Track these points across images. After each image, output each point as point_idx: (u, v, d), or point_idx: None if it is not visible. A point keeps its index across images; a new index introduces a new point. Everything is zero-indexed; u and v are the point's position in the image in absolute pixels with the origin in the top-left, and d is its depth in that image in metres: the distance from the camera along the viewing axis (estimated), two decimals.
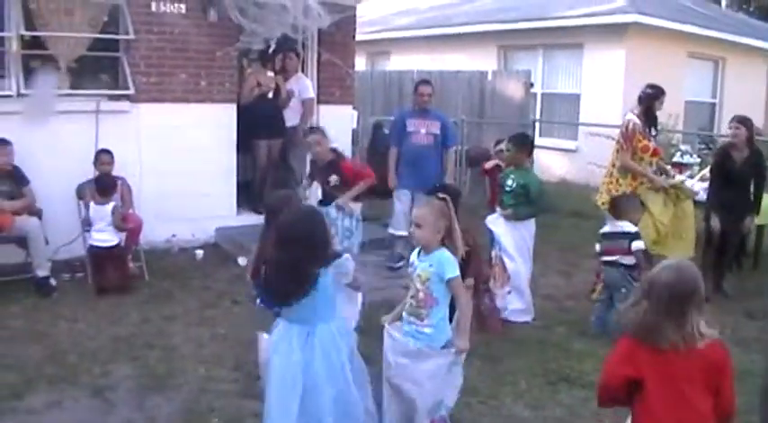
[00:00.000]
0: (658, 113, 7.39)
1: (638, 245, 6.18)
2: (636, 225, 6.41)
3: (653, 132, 7.31)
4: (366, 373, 3.99)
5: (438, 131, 8.27)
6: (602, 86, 14.46)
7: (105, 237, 7.04)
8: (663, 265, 3.10)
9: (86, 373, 5.23)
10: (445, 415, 4.20)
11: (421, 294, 4.06)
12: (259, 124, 9.03)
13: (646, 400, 3.00)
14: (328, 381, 3.70)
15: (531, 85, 13.26)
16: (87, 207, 7.30)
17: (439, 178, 7.93)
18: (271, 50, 9.20)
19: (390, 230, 8.36)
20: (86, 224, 7.24)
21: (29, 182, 7.23)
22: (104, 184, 7.18)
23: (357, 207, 6.91)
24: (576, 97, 15.19)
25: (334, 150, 6.92)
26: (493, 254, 6.69)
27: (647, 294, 3.01)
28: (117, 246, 7.14)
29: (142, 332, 6.04)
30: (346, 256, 3.89)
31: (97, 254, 7.08)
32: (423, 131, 8.26)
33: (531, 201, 6.57)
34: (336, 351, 3.76)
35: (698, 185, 8.36)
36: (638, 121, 7.11)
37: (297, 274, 3.64)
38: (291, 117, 9.35)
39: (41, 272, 6.97)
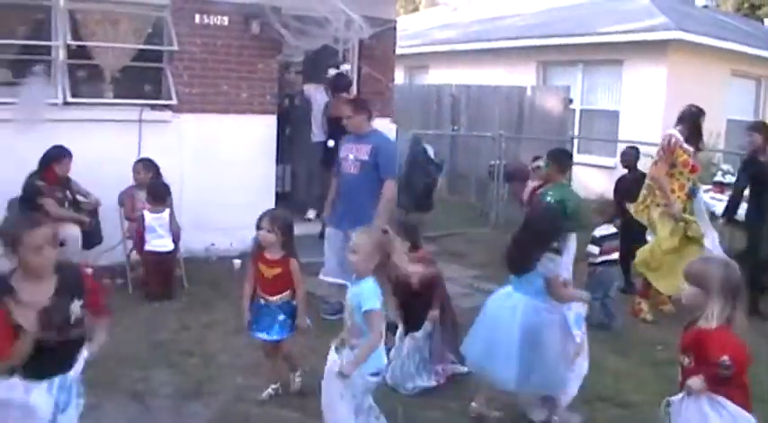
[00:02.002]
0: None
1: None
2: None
3: (689, 149, 7.09)
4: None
5: (367, 157, 6.60)
6: (643, 103, 14.36)
7: (163, 242, 7.20)
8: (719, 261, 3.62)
9: (126, 378, 5.29)
10: None
11: (349, 323, 4.05)
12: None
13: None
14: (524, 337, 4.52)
15: (570, 100, 13.20)
16: (128, 217, 7.48)
17: (369, 218, 6.10)
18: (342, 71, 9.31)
19: (321, 276, 6.80)
20: (135, 233, 7.38)
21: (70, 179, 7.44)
22: (158, 192, 7.29)
23: None
24: (616, 114, 15.10)
25: None
26: None
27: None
28: (171, 252, 7.30)
29: (181, 339, 6.11)
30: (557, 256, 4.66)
31: (153, 260, 7.20)
32: (351, 158, 6.73)
33: (567, 217, 6.55)
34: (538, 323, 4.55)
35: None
36: (680, 136, 7.00)
37: (523, 253, 4.62)
38: (320, 134, 9.44)
39: None
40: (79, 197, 7.51)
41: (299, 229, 7.66)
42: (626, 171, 8.39)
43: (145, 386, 5.17)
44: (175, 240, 7.39)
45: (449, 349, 5.53)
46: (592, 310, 6.38)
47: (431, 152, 10.84)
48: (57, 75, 7.89)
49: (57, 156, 7.16)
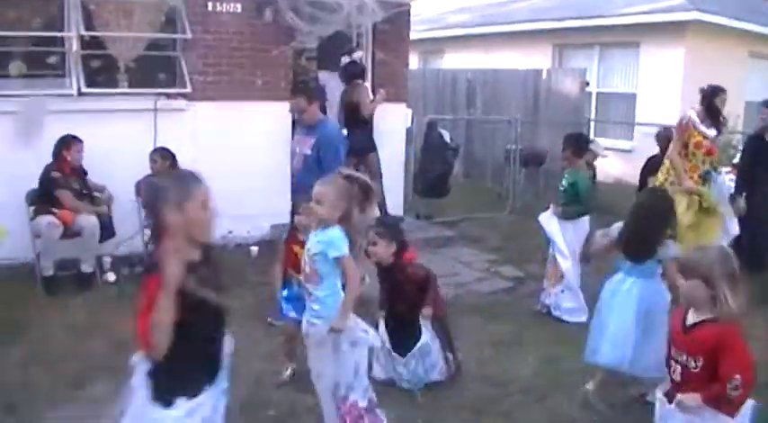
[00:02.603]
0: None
1: None
2: None
3: (713, 132, 6.97)
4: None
5: (309, 152, 6.31)
6: (660, 86, 14.25)
7: None
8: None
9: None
10: (357, 400, 4.07)
11: (307, 269, 4.01)
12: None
13: None
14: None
15: (587, 83, 13.13)
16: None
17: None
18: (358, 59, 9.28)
19: None
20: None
21: (86, 173, 7.53)
22: None
23: None
24: (632, 97, 14.99)
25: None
26: (549, 252, 6.68)
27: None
28: None
29: None
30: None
31: None
32: (297, 152, 6.52)
33: (579, 200, 6.54)
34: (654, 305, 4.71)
35: None
36: (695, 117, 6.91)
37: (646, 239, 4.77)
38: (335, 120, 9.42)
39: (86, 267, 7.23)
40: (95, 193, 7.56)
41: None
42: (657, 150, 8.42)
43: None
44: None
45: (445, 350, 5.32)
46: None
47: (447, 137, 10.80)
48: (70, 65, 7.91)
49: (66, 144, 7.21)
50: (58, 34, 7.91)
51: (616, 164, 14.19)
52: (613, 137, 15.07)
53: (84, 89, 7.85)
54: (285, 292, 5.23)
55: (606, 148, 14.22)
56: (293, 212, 5.48)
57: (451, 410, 4.81)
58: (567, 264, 6.53)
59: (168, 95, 8.32)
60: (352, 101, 8.99)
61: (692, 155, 6.92)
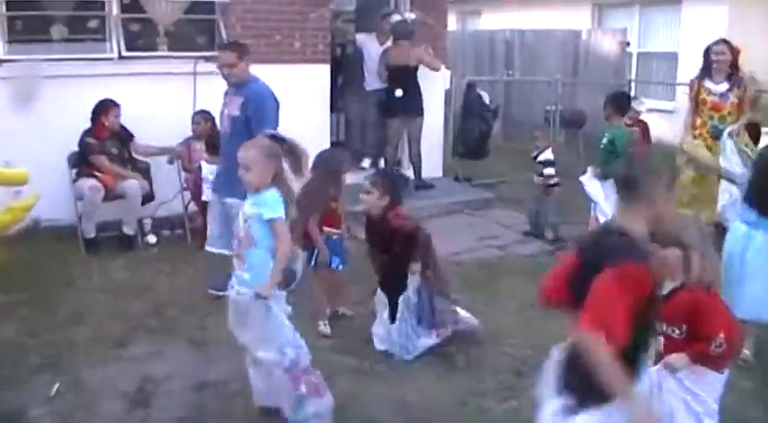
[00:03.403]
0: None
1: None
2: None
3: (723, 87, 7.08)
4: None
5: (238, 113, 5.80)
6: (703, 45, 13.74)
7: None
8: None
9: (186, 326, 5.41)
10: (295, 366, 4.00)
11: (242, 233, 3.90)
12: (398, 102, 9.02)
13: None
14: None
15: (627, 43, 12.92)
16: (185, 168, 7.60)
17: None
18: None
19: (208, 247, 6.07)
20: (192, 184, 7.49)
21: (133, 136, 7.57)
22: (216, 143, 7.32)
23: None
24: (674, 56, 14.69)
25: None
26: (591, 214, 6.62)
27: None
28: None
29: None
30: None
31: None
32: (226, 113, 6.01)
33: (618, 157, 6.44)
34: None
35: None
36: (699, 75, 7.25)
37: None
38: (372, 82, 9.36)
39: (128, 229, 7.34)
40: (136, 155, 7.64)
41: (354, 178, 7.72)
42: None
43: (204, 334, 5.28)
44: None
45: (440, 308, 5.12)
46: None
47: (486, 98, 10.69)
48: (111, 29, 7.94)
49: (103, 108, 7.28)
50: None
51: (658, 124, 13.95)
52: (655, 97, 14.80)
53: (124, 52, 7.91)
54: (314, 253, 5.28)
55: (648, 109, 14.07)
56: None
57: (491, 372, 4.82)
58: None
59: (207, 58, 8.31)
60: (408, 64, 8.93)
61: (701, 111, 7.14)
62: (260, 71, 8.35)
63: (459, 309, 5.31)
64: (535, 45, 13.71)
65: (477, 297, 6.05)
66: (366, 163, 9.48)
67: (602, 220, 6.44)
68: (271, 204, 3.81)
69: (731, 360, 3.46)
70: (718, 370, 3.44)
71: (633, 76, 14.51)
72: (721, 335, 3.30)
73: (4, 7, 7.46)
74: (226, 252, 5.36)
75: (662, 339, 3.48)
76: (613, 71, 12.50)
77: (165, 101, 7.81)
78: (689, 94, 7.36)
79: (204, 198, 7.29)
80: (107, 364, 4.80)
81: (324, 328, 5.41)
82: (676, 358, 3.40)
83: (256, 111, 5.71)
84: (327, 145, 9.01)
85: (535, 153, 8.08)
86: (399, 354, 4.97)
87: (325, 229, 5.32)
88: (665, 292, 3.33)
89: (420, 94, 9.10)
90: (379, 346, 5.10)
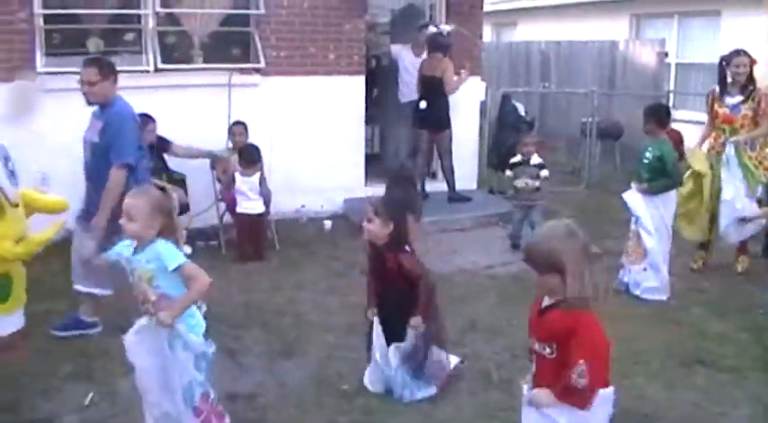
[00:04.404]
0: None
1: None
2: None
3: (738, 98, 6.95)
4: None
5: (98, 139, 5.19)
6: None
7: (254, 205, 7.33)
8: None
9: (219, 336, 5.36)
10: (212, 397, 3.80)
11: (152, 297, 3.56)
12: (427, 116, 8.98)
13: None
14: None
15: (666, 54, 12.76)
16: (220, 179, 7.63)
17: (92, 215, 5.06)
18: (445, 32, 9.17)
19: (78, 287, 5.39)
20: (227, 195, 7.54)
21: (171, 143, 7.60)
22: (250, 155, 7.38)
23: None
24: (713, 67, 14.47)
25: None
26: (631, 228, 6.51)
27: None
28: (262, 214, 7.44)
29: (272, 299, 6.21)
30: None
31: (244, 222, 7.34)
32: (87, 138, 5.35)
33: (667, 173, 6.34)
34: None
35: None
36: (717, 88, 7.14)
37: None
38: (408, 93, 9.33)
39: None
40: (173, 168, 7.67)
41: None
42: None
43: (238, 344, 5.27)
44: (266, 203, 7.48)
45: (436, 359, 4.69)
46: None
47: (521, 110, 10.64)
48: (147, 42, 8.03)
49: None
50: (135, 12, 8.02)
51: (696, 136, 13.80)
52: (693, 109, 14.62)
53: (160, 65, 7.97)
54: None
55: (686, 121, 13.89)
56: None
57: None
58: (653, 241, 6.33)
59: (242, 70, 8.38)
60: (435, 76, 8.89)
61: (716, 124, 7.08)
62: (294, 82, 8.49)
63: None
64: (571, 56, 13.62)
65: (510, 311, 5.98)
66: None
67: (643, 234, 6.36)
68: (168, 254, 3.52)
69: (594, 395, 2.96)
70: (579, 406, 2.98)
71: (671, 87, 14.35)
72: (581, 362, 2.87)
73: (41, 20, 7.56)
74: (95, 291, 5.26)
75: (536, 357, 3.14)
76: (652, 82, 12.35)
77: (200, 112, 7.89)
78: (706, 107, 7.32)
79: (239, 210, 7.34)
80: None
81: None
82: (541, 395, 3.04)
83: (115, 137, 5.13)
84: (362, 157, 9.05)
85: (523, 158, 7.97)
86: (397, 398, 4.60)
87: None
88: (544, 305, 3.07)
89: (445, 108, 9.00)
90: (373, 388, 4.69)
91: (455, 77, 8.88)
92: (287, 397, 4.57)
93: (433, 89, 8.85)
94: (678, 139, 8.77)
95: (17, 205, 3.57)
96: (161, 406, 3.70)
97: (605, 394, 3.04)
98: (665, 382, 4.81)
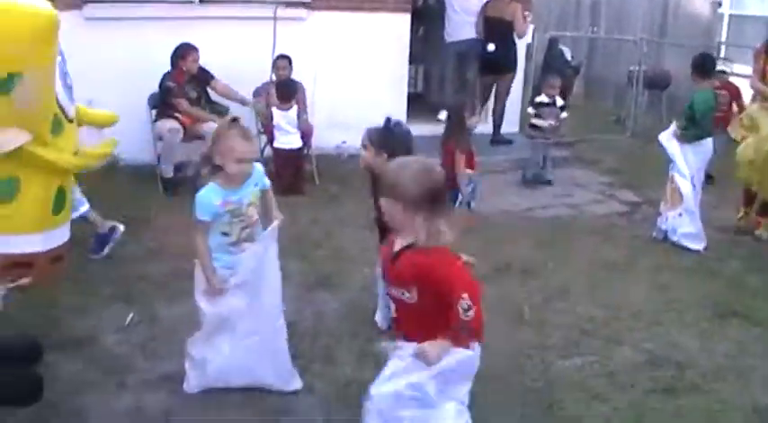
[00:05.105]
0: None
1: None
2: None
3: None
4: None
5: None
6: None
7: (291, 140, 7.37)
8: None
9: None
10: None
11: (256, 216, 3.86)
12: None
13: None
14: None
15: (719, 4, 12.45)
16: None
17: None
18: None
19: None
20: (267, 129, 7.54)
21: (213, 76, 7.64)
22: (286, 89, 7.39)
23: None
24: None
25: None
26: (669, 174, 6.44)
27: None
28: (300, 149, 7.48)
29: (311, 233, 6.28)
30: None
31: (282, 156, 7.38)
32: None
33: (695, 123, 6.24)
34: None
35: None
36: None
37: None
38: (467, 31, 9.19)
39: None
40: (215, 98, 7.72)
41: (429, 130, 7.69)
42: None
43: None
44: (305, 137, 7.50)
45: None
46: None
47: (568, 55, 10.49)
48: None
49: (181, 52, 7.35)
50: None
51: (749, 90, 13.49)
52: (747, 62, 14.27)
53: None
54: None
55: (737, 75, 13.58)
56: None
57: (558, 329, 4.77)
58: (687, 186, 6.27)
59: (288, 4, 8.31)
60: (504, 18, 8.78)
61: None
62: (339, 19, 8.42)
63: None
64: (622, 2, 13.33)
65: (547, 254, 6.01)
66: (443, 115, 9.38)
67: (678, 179, 6.30)
68: (261, 174, 3.89)
69: (481, 330, 2.83)
70: (466, 346, 2.84)
71: (724, 39, 13.99)
72: (465, 295, 2.69)
73: None
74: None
75: (393, 304, 2.98)
76: (703, 32, 12.08)
77: (244, 45, 7.87)
78: (754, 65, 6.94)
79: (276, 144, 7.37)
80: (180, 300, 4.82)
81: None
82: (432, 348, 2.81)
83: None
84: (404, 96, 9.00)
85: (549, 99, 8.23)
86: None
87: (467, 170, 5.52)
88: (396, 249, 2.90)
89: (513, 49, 8.94)
90: (383, 324, 4.66)
91: (522, 20, 8.83)
92: (323, 325, 4.66)
93: (502, 31, 8.76)
94: (736, 93, 8.55)
95: (73, 120, 3.64)
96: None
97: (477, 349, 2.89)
98: (698, 332, 4.81)
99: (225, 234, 3.77)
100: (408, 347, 2.88)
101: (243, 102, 7.72)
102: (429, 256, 2.76)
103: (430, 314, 2.81)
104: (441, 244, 2.76)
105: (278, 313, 3.86)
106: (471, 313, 2.71)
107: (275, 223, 3.78)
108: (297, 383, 3.94)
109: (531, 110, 8.34)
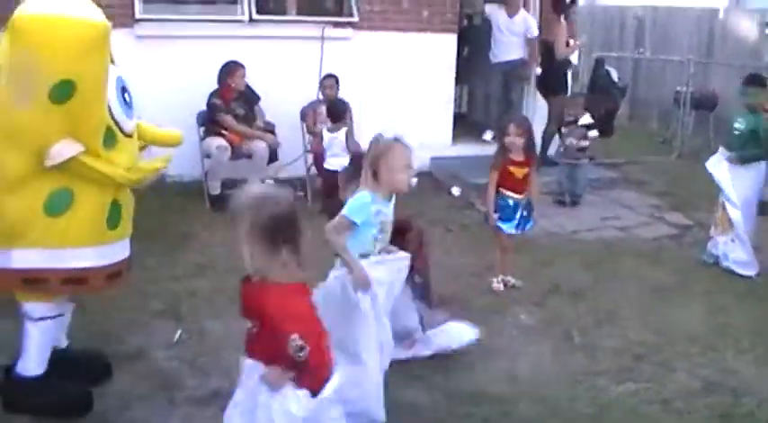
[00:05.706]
0: None
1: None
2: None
3: None
4: None
5: None
6: None
7: (340, 161, 7.30)
8: None
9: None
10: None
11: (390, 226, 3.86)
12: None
13: None
14: None
15: (767, 25, 12.29)
16: (310, 131, 7.69)
17: None
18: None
19: None
20: (316, 147, 7.59)
21: (259, 98, 7.69)
22: (336, 110, 7.36)
23: None
24: None
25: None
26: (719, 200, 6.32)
27: None
28: None
29: None
30: None
31: (330, 176, 7.34)
32: None
33: (759, 144, 6.11)
34: None
35: None
36: None
37: None
38: (513, 51, 9.17)
39: None
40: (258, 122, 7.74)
41: (476, 150, 7.66)
42: None
43: None
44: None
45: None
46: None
47: (614, 75, 10.39)
48: None
49: (229, 70, 7.41)
50: None
51: None
52: None
53: (254, 16, 8.01)
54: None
55: None
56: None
57: (609, 353, 4.70)
58: (737, 213, 6.16)
59: (335, 24, 8.37)
60: (548, 39, 8.82)
61: None
62: (386, 38, 8.45)
63: (451, 323, 4.66)
64: (668, 23, 13.23)
65: (595, 276, 5.93)
66: (488, 136, 9.36)
67: (728, 207, 6.19)
68: None
69: (325, 377, 2.70)
70: (311, 389, 2.67)
71: None
72: (295, 336, 2.54)
73: None
74: None
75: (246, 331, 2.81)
76: (751, 53, 11.91)
77: (292, 64, 7.94)
78: None
79: (325, 165, 7.36)
80: (227, 316, 4.84)
81: (496, 284, 5.56)
82: (271, 374, 2.69)
83: None
84: (451, 116, 8.99)
85: (571, 119, 8.28)
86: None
87: (502, 190, 5.44)
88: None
89: (556, 72, 8.96)
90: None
91: (563, 41, 8.87)
92: None
93: (545, 53, 8.81)
94: None
95: (131, 136, 3.64)
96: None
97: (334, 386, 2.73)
98: (754, 358, 4.71)
99: (364, 253, 3.72)
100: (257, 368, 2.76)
101: (266, 139, 7.60)
102: (264, 291, 2.65)
103: (271, 347, 2.66)
104: (285, 279, 2.66)
105: None
106: (303, 355, 2.56)
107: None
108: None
109: (563, 129, 8.35)
